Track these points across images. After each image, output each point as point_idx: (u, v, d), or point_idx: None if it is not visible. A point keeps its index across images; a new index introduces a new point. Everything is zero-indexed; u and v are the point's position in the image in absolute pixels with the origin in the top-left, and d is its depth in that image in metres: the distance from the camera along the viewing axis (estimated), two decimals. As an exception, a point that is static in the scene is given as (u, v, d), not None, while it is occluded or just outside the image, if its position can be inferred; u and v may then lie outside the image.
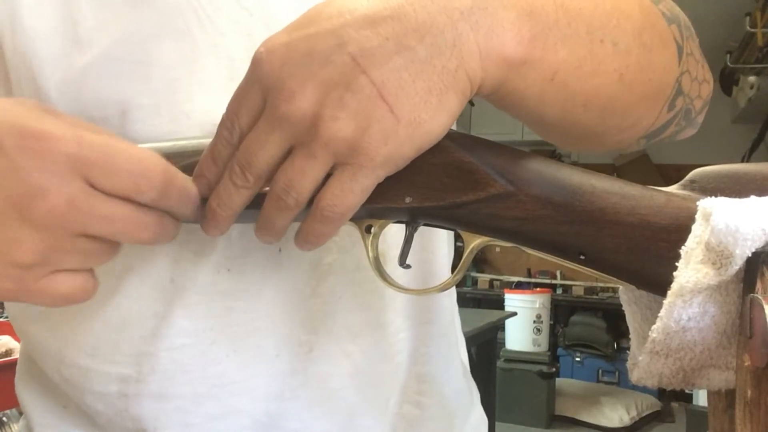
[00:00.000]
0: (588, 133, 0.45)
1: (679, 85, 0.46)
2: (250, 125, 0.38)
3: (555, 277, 5.14)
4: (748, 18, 3.41)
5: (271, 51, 0.36)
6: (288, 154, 0.37)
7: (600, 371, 4.80)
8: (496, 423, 3.25)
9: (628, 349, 0.42)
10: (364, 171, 0.37)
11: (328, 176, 0.37)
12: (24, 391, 0.55)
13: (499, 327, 3.96)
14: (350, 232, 0.50)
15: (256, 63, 0.37)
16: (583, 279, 4.92)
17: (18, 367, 0.57)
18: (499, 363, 4.15)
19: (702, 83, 0.48)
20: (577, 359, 4.86)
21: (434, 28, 0.36)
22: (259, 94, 0.37)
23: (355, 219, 0.42)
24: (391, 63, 0.35)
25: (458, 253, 0.48)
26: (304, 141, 0.36)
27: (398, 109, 0.36)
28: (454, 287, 0.66)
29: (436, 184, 0.39)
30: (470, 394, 0.64)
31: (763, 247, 0.33)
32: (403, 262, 0.43)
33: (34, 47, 0.46)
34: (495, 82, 0.38)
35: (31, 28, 0.46)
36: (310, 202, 0.38)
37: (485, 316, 2.94)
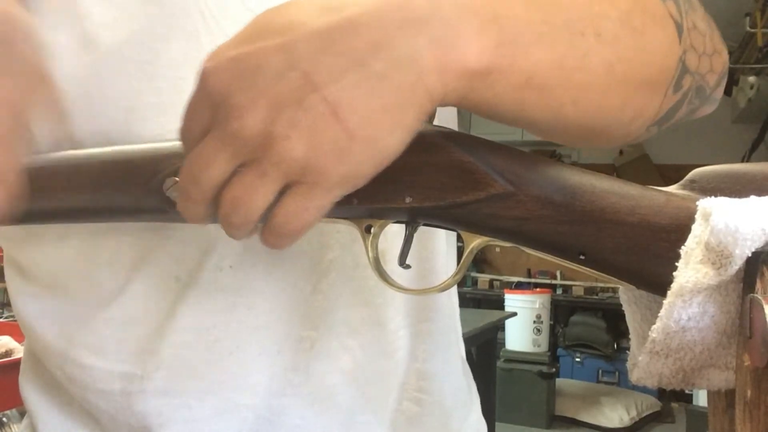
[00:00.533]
0: (589, 133, 0.43)
1: (683, 65, 0.43)
2: (199, 135, 0.37)
3: (555, 277, 5.14)
4: (748, 18, 3.41)
5: (219, 66, 0.35)
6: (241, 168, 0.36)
7: (600, 371, 4.80)
8: (496, 423, 3.25)
9: (628, 349, 0.42)
10: (318, 190, 0.35)
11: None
12: (28, 388, 0.56)
13: (499, 327, 3.97)
14: (350, 230, 0.50)
15: (204, 78, 0.35)
16: (583, 279, 4.92)
17: (22, 365, 0.58)
18: (499, 363, 4.15)
19: (713, 56, 0.45)
20: (577, 359, 4.86)
21: (390, 42, 0.34)
22: (209, 110, 0.36)
23: (355, 219, 0.42)
24: (345, 80, 0.34)
25: (459, 253, 0.48)
26: (254, 159, 0.35)
27: (352, 127, 0.34)
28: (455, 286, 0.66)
29: (436, 184, 0.39)
30: (469, 392, 0.65)
31: (762, 247, 0.33)
32: (402, 262, 0.43)
33: (43, 41, 0.47)
34: (458, 94, 0.36)
35: (38, 21, 0.47)
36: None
37: (485, 316, 2.94)
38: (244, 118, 0.34)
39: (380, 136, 0.35)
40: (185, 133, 0.37)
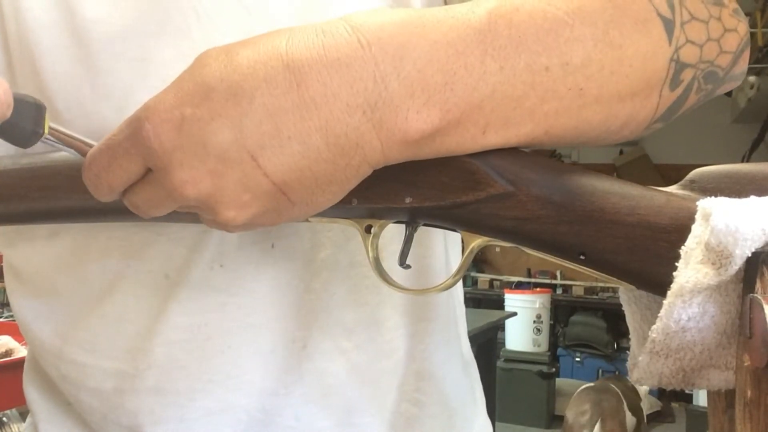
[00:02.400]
0: (575, 144, 0.42)
1: (676, 62, 0.40)
2: (123, 184, 0.37)
3: (555, 277, 5.15)
4: (748, 18, 3.41)
5: (160, 131, 0.34)
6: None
7: (600, 371, 4.80)
8: (496, 423, 3.25)
9: (628, 349, 0.42)
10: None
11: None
12: (30, 388, 0.56)
13: (499, 327, 3.97)
14: (344, 228, 0.50)
15: (141, 138, 0.35)
16: (583, 279, 4.92)
17: (25, 365, 0.58)
18: (499, 363, 4.16)
19: (722, 38, 0.42)
20: (577, 359, 4.87)
21: (337, 128, 0.34)
22: (141, 163, 0.36)
23: (355, 219, 0.42)
24: (293, 163, 0.35)
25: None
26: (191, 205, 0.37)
27: (296, 198, 0.36)
28: (458, 283, 0.66)
29: (436, 184, 0.39)
30: (473, 394, 0.64)
31: (762, 247, 0.33)
32: (403, 261, 0.43)
33: (36, 38, 0.46)
34: (405, 156, 0.37)
35: (32, 18, 0.47)
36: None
37: (485, 316, 2.94)
38: (185, 189, 0.35)
39: (322, 201, 0.37)
40: (98, 170, 0.37)
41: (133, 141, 0.35)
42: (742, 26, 0.43)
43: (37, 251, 0.51)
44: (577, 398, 2.99)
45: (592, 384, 3.11)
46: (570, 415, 2.95)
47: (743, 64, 0.45)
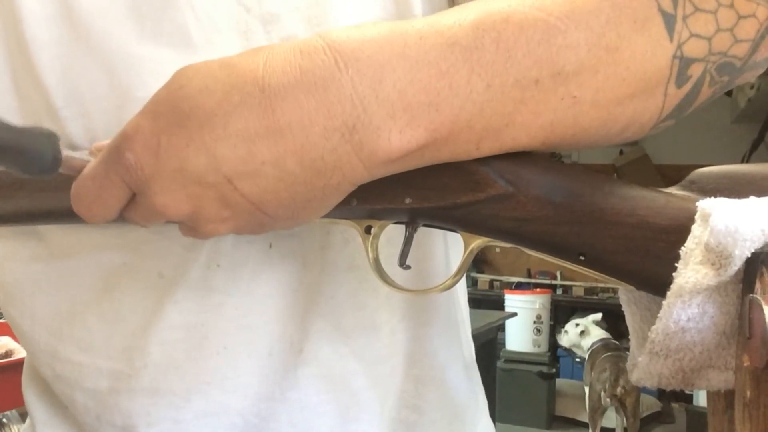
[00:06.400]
0: (577, 148, 0.41)
1: (681, 58, 0.38)
2: (116, 210, 0.39)
3: (555, 278, 5.14)
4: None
5: (140, 159, 0.36)
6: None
7: (600, 371, 4.80)
8: (496, 423, 3.25)
9: (628, 349, 0.42)
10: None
11: None
12: (28, 391, 0.56)
13: (499, 327, 3.96)
14: (343, 231, 0.50)
15: (124, 167, 0.36)
16: (583, 279, 4.92)
17: (24, 367, 0.58)
18: (499, 363, 4.15)
19: (736, 26, 0.39)
20: (577, 360, 4.86)
21: (313, 152, 0.35)
22: (127, 190, 0.38)
23: (355, 219, 0.42)
24: (268, 186, 0.36)
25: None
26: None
27: (276, 215, 0.37)
28: (461, 286, 0.65)
29: (436, 185, 0.39)
30: (475, 398, 0.63)
31: (762, 247, 0.33)
32: (403, 262, 0.43)
33: (31, 32, 0.46)
34: (389, 171, 0.37)
35: (27, 11, 0.46)
36: None
37: (485, 317, 2.94)
38: (167, 211, 0.37)
39: (304, 216, 0.38)
40: (89, 201, 0.38)
41: (116, 170, 0.37)
42: (762, 10, 0.41)
43: (30, 248, 0.50)
44: (599, 363, 3.61)
45: (609, 353, 3.66)
46: (594, 375, 3.59)
47: (766, 51, 0.42)
